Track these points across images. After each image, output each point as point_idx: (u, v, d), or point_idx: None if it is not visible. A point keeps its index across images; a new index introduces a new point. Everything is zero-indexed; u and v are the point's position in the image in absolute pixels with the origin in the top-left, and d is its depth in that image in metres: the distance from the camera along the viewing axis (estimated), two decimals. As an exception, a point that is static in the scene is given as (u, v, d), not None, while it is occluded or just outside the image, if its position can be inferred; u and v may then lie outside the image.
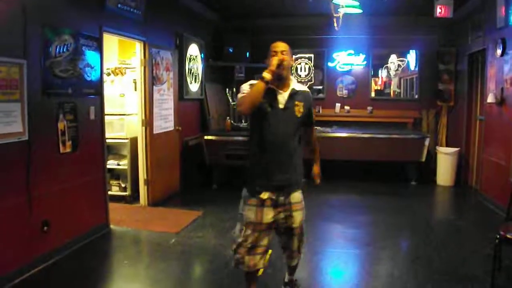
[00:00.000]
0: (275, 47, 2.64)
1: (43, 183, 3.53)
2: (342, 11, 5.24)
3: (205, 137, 6.28)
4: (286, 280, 3.09)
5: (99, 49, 4.26)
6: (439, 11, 5.75)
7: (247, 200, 2.69)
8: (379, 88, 7.86)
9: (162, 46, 5.54)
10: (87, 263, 3.70)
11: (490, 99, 5.42)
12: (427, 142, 6.56)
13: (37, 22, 3.42)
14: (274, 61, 2.55)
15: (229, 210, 5.23)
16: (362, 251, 4.06)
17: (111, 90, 5.52)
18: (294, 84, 2.71)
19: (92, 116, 4.21)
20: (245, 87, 2.65)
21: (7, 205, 3.18)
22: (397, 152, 6.60)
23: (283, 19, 7.57)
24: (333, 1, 4.97)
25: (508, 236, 2.97)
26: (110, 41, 5.42)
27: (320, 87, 7.95)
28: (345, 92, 7.93)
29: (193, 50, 6.48)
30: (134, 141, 5.41)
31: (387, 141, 6.64)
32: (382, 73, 7.81)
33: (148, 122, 5.25)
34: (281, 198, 2.68)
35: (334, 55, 7.87)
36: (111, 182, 5.44)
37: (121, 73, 5.73)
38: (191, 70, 6.41)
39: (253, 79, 2.77)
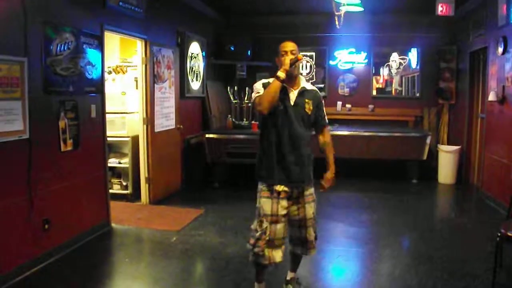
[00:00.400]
0: (284, 47, 2.71)
1: (44, 181, 3.53)
2: (343, 9, 5.23)
3: (207, 135, 6.27)
4: (288, 278, 3.10)
5: (100, 47, 4.26)
6: (441, 9, 5.75)
7: (262, 193, 2.76)
8: (380, 86, 7.85)
9: (164, 44, 5.53)
10: (88, 261, 3.70)
11: (492, 97, 5.41)
12: (428, 140, 6.56)
13: (38, 20, 3.42)
14: (287, 60, 2.62)
15: (230, 208, 5.24)
16: (363, 249, 4.07)
17: (112, 88, 5.53)
18: (304, 83, 2.80)
19: (93, 114, 4.21)
20: (259, 86, 2.73)
21: (8, 203, 3.18)
22: (399, 150, 6.61)
23: (284, 17, 7.55)
24: (334, -1, 4.97)
25: (509, 234, 2.97)
26: (112, 39, 5.43)
27: (322, 85, 7.91)
28: (346, 90, 7.92)
29: (195, 48, 6.48)
30: (135, 139, 5.41)
31: (388, 139, 6.64)
32: (384, 71, 7.80)
33: (149, 120, 5.25)
34: (295, 191, 2.77)
35: (336, 53, 7.85)
36: (112, 180, 5.43)
37: (123, 71, 5.74)
38: (192, 68, 6.40)
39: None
